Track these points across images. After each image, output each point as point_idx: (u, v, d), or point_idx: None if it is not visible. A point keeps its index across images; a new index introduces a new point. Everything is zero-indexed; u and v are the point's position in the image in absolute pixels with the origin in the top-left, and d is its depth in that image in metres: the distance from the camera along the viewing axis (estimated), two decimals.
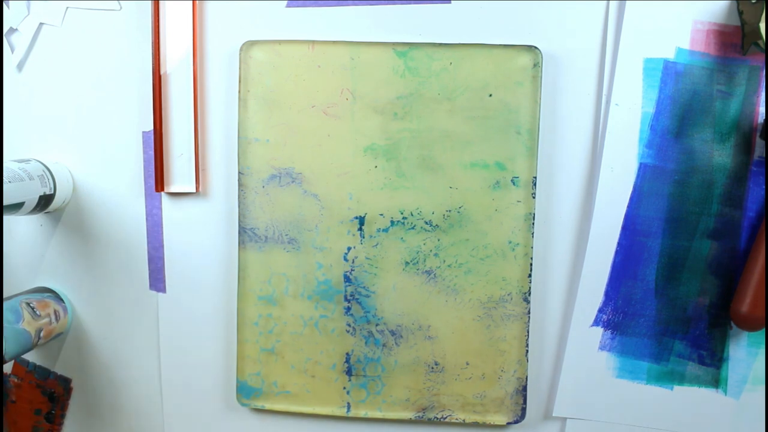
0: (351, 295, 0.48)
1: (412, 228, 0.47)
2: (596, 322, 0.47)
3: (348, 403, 0.49)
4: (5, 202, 0.43)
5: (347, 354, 0.48)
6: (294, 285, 0.48)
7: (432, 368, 0.48)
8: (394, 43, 0.46)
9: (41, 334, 0.47)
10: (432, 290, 0.47)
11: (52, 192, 0.48)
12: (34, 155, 0.50)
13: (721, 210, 0.46)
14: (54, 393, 0.52)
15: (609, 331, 0.47)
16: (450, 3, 0.46)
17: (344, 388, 0.49)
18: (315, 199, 0.47)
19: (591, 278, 0.47)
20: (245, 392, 0.49)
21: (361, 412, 0.48)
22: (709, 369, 0.47)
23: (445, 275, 0.47)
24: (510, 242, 0.47)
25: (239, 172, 0.47)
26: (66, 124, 0.50)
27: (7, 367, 0.53)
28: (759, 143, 0.45)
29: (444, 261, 0.47)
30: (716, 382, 0.47)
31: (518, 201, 0.46)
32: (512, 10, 0.46)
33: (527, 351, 0.47)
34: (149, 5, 0.47)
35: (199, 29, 0.48)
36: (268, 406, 0.49)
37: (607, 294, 0.47)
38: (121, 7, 0.48)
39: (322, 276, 0.48)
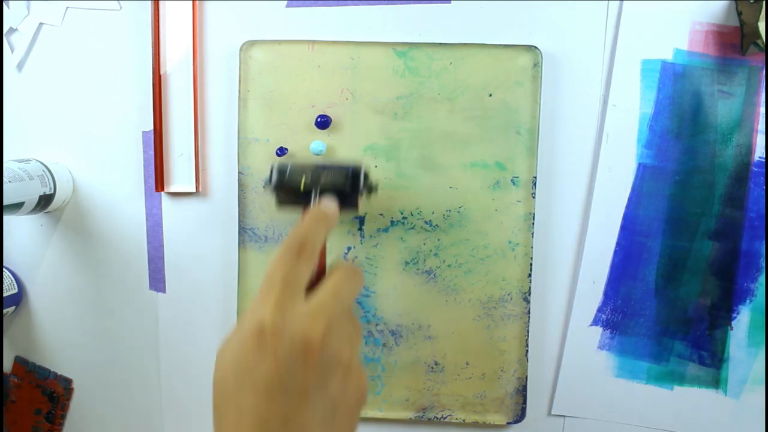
0: None
1: (412, 228, 0.47)
2: (595, 322, 0.47)
3: None
4: (5, 202, 0.43)
5: None
6: None
7: (432, 368, 0.48)
8: (394, 43, 0.46)
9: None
10: (432, 290, 0.47)
11: (52, 192, 0.48)
12: (34, 155, 0.50)
13: (722, 210, 0.46)
14: (54, 393, 0.52)
15: (608, 331, 0.47)
16: (450, 3, 0.46)
17: None
18: None
19: (590, 278, 0.47)
20: None
21: None
22: (709, 369, 0.47)
23: (445, 275, 0.47)
24: (510, 242, 0.47)
25: (239, 172, 0.47)
26: (66, 124, 0.50)
27: (7, 367, 0.53)
28: (759, 144, 0.45)
29: (444, 261, 0.47)
30: (716, 382, 0.47)
31: (518, 201, 0.46)
32: (512, 10, 0.46)
33: (527, 351, 0.47)
34: (149, 5, 0.47)
35: (199, 29, 0.48)
36: None
37: (606, 294, 0.47)
38: (121, 7, 0.48)
39: None
